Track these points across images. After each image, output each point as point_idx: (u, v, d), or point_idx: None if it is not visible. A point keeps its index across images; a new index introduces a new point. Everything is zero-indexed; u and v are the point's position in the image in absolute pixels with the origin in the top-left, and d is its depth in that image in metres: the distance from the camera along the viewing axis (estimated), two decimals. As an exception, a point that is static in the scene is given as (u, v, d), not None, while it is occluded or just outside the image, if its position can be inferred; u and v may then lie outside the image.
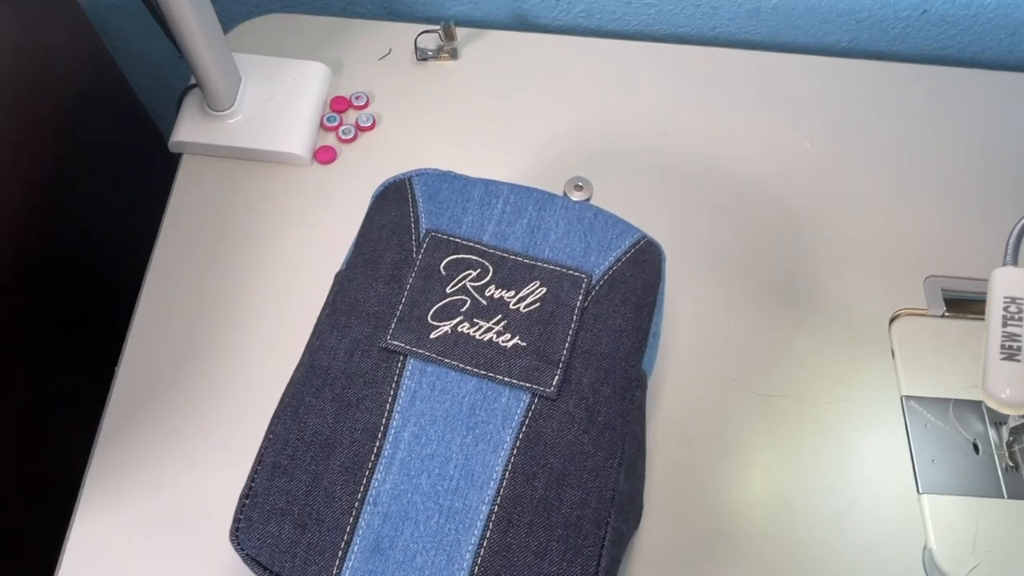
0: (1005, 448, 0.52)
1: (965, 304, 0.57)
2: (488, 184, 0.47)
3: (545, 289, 0.43)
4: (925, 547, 0.49)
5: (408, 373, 0.41)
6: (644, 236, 0.46)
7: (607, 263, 0.44)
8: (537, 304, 0.43)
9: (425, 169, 0.48)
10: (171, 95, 0.63)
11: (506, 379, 0.41)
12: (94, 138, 0.65)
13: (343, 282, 0.45)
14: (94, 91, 0.64)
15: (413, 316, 0.42)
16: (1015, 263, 0.40)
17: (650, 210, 0.60)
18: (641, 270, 0.45)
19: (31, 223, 0.58)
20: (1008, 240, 0.40)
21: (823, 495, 0.51)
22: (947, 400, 0.54)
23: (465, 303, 0.43)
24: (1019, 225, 0.40)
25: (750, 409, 0.53)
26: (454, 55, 0.66)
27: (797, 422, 0.53)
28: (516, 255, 0.44)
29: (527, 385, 0.41)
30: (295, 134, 0.59)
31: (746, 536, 0.49)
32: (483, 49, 0.67)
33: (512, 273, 0.44)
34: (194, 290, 0.55)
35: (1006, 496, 0.51)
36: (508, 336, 0.42)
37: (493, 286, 0.43)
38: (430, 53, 0.65)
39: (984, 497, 0.51)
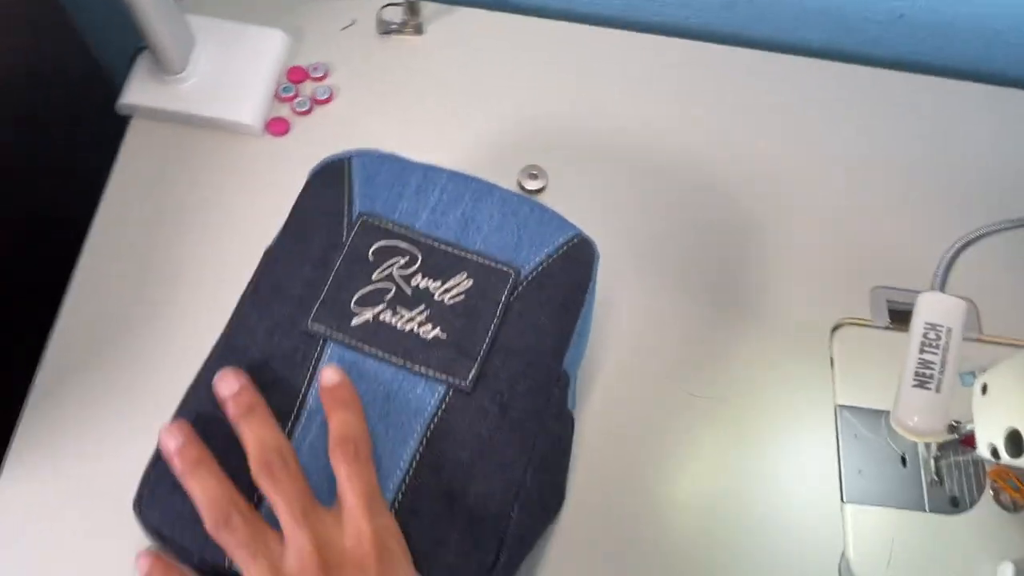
0: (932, 462, 0.52)
1: (909, 316, 0.57)
2: (428, 170, 0.47)
3: (471, 282, 0.43)
4: (842, 555, 0.50)
5: (327, 358, 0.41)
6: (578, 233, 0.46)
7: (537, 259, 0.44)
8: (462, 297, 0.42)
9: (366, 150, 0.48)
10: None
11: (423, 370, 0.41)
12: (50, 100, 0.64)
13: (270, 261, 0.44)
14: (50, 51, 0.63)
15: (337, 301, 0.42)
16: (943, 289, 0.40)
17: (601, 202, 0.59)
18: (572, 268, 0.45)
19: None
20: (938, 265, 0.40)
21: (749, 499, 0.51)
22: (881, 412, 0.54)
23: (390, 291, 0.43)
24: (951, 250, 0.40)
25: (685, 409, 0.53)
26: (419, 30, 0.64)
27: (730, 425, 0.53)
28: (447, 245, 0.44)
29: (443, 377, 0.41)
30: (247, 103, 0.58)
31: (669, 532, 0.49)
32: (449, 26, 0.65)
33: (441, 263, 0.43)
34: (134, 258, 0.55)
35: (927, 509, 0.51)
36: (429, 327, 0.42)
37: (420, 275, 0.43)
38: (394, 27, 0.64)
39: (906, 509, 0.51)
